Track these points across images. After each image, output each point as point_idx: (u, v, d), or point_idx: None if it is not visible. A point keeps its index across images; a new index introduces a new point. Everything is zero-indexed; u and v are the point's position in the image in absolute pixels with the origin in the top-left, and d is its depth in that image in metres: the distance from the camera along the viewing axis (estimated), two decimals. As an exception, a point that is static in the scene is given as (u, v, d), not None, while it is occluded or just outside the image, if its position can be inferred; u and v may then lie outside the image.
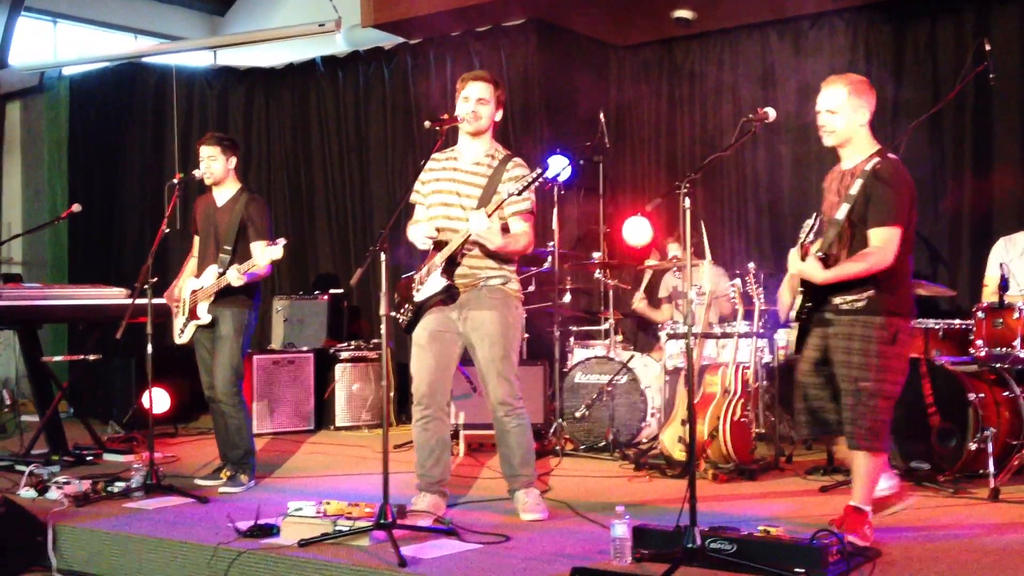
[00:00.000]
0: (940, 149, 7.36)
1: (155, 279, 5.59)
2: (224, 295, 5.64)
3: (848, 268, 4.14)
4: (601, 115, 7.76)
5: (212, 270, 5.68)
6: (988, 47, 6.11)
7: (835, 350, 4.24)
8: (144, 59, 10.20)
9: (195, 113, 10.11)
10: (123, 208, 10.12)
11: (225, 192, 5.85)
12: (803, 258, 4.21)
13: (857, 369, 4.16)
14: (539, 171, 4.60)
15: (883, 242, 4.11)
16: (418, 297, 4.82)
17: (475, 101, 4.78)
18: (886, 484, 4.47)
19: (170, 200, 5.75)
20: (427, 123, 4.75)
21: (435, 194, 4.86)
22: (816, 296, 4.26)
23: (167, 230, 5.69)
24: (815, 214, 4.32)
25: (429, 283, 4.76)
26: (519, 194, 4.56)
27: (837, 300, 4.22)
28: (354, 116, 9.49)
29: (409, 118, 9.04)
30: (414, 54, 9.08)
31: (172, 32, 11.02)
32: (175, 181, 5.82)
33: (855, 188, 4.17)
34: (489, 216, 4.54)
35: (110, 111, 10.17)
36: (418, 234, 4.83)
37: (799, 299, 4.29)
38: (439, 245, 4.75)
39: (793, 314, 4.33)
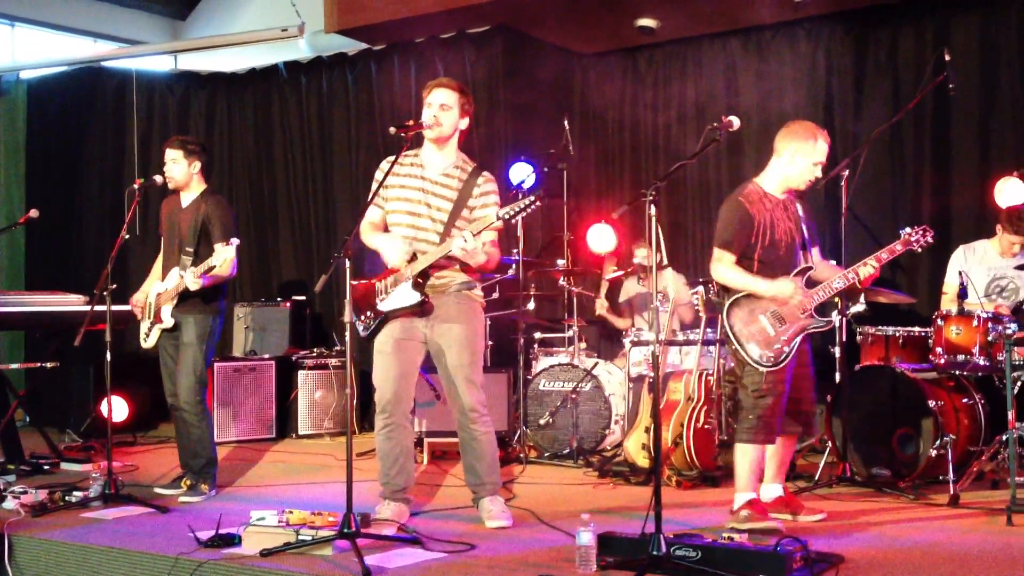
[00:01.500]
0: (900, 158, 7.44)
1: (114, 285, 5.52)
2: (188, 300, 5.59)
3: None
4: (565, 122, 7.78)
5: (175, 272, 5.62)
6: (948, 57, 6.19)
7: (804, 353, 4.75)
8: (104, 63, 10.06)
9: (155, 118, 10.00)
10: (82, 214, 9.99)
11: (189, 195, 5.79)
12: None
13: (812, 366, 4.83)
14: (532, 199, 4.49)
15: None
16: (384, 307, 4.77)
17: (437, 107, 4.75)
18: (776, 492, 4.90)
19: (130, 206, 5.70)
20: (392, 129, 4.72)
21: (401, 201, 4.82)
22: None
23: (127, 236, 5.63)
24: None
25: (398, 294, 4.72)
26: (510, 219, 4.55)
27: None
28: (317, 122, 9.44)
29: (373, 124, 9.00)
30: (378, 60, 9.04)
31: (132, 36, 10.88)
32: (135, 187, 5.76)
33: (801, 212, 4.79)
34: (476, 235, 4.54)
35: (69, 115, 10.04)
36: (390, 245, 4.73)
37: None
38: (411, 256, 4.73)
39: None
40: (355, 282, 4.84)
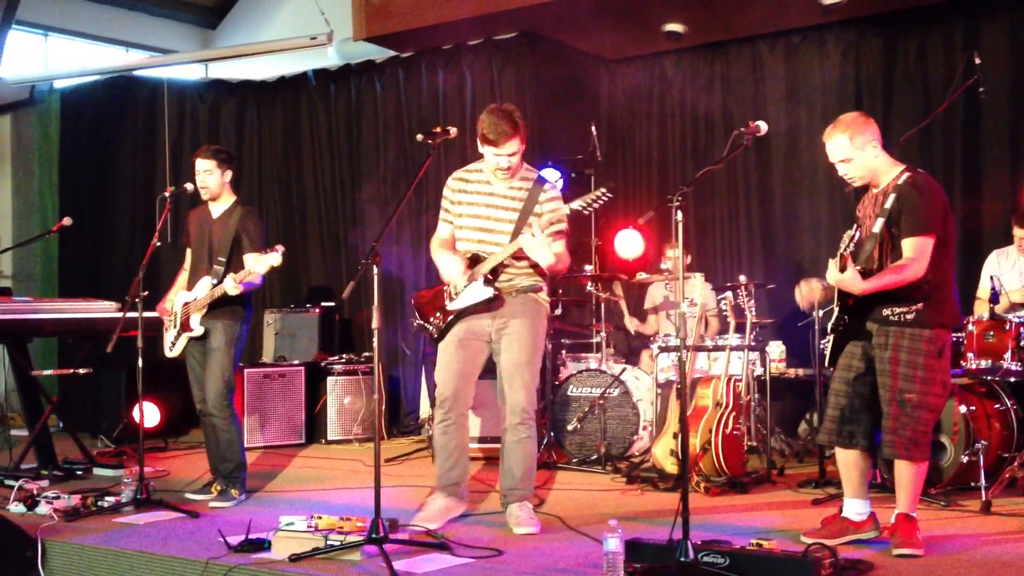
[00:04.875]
0: (930, 162, 7.37)
1: (146, 292, 5.57)
2: (216, 307, 5.63)
3: (884, 279, 4.18)
4: (593, 128, 7.77)
5: (206, 281, 5.67)
6: (978, 60, 6.14)
7: (879, 360, 4.28)
8: (135, 72, 10.18)
9: (186, 126, 10.10)
10: (114, 221, 10.09)
11: (220, 205, 5.83)
12: (842, 269, 4.16)
13: (902, 380, 4.21)
14: (603, 190, 4.72)
15: (915, 252, 4.16)
16: (454, 306, 4.88)
17: (507, 156, 4.81)
18: (864, 510, 4.47)
19: (161, 213, 5.75)
20: (419, 136, 4.78)
21: (469, 217, 4.91)
22: (856, 309, 4.29)
23: (158, 243, 5.68)
24: (855, 225, 4.28)
25: (470, 292, 4.82)
26: (582, 211, 4.69)
27: (886, 312, 4.26)
28: (346, 129, 9.50)
29: (401, 131, 9.04)
30: (406, 67, 9.09)
31: (163, 45, 11.02)
32: (166, 194, 5.82)
33: (889, 202, 4.23)
34: (544, 229, 4.67)
35: (101, 124, 10.15)
36: (448, 262, 4.87)
37: (835, 310, 4.33)
38: (474, 259, 4.84)
39: (830, 325, 4.39)
40: (424, 290, 5.10)
